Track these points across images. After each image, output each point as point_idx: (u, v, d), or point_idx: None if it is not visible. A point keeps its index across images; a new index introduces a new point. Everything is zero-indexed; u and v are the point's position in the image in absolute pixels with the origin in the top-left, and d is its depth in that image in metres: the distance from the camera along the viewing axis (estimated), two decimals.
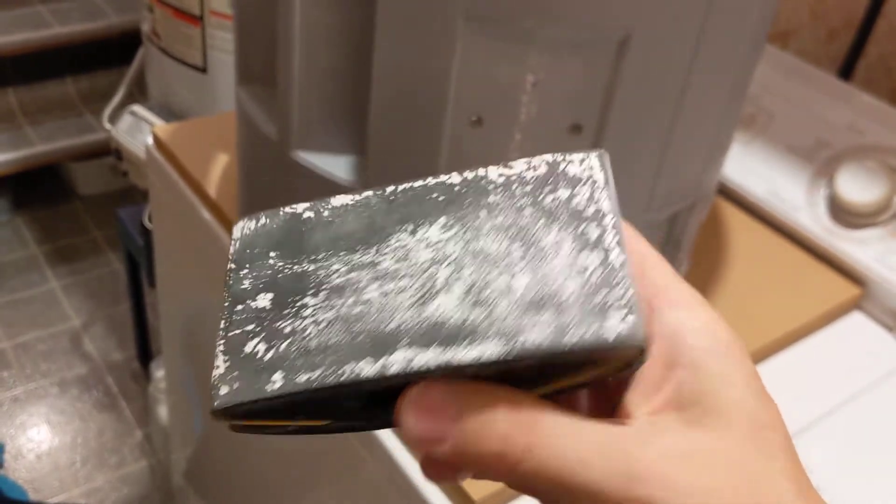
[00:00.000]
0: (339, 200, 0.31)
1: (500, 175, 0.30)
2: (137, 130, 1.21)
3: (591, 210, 0.28)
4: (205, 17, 1.11)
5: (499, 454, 0.25)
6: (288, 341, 0.27)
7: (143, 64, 1.37)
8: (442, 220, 0.29)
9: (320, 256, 0.29)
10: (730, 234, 0.83)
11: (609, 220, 0.28)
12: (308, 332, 0.27)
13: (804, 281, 0.78)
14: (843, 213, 0.79)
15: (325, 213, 0.30)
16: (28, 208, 2.33)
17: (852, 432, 0.67)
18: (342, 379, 0.26)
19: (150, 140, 0.89)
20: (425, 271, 0.27)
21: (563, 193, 0.28)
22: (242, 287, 0.30)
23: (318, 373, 0.26)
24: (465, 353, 0.25)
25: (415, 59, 0.52)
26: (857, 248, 0.77)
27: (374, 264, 0.28)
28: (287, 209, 0.31)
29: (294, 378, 0.26)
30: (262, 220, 0.31)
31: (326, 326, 0.27)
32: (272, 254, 0.30)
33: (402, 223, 0.29)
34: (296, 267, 0.29)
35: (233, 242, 0.32)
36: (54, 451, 1.73)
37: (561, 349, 0.25)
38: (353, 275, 0.28)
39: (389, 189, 0.30)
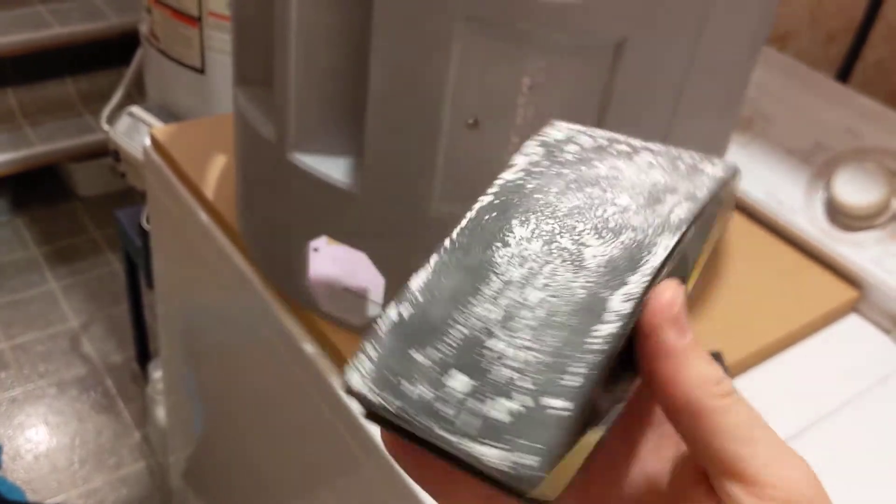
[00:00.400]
0: (417, 283, 0.29)
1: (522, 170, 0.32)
2: (135, 131, 1.21)
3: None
4: (203, 18, 1.11)
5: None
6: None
7: (141, 65, 1.37)
8: (514, 221, 0.30)
9: (453, 323, 0.28)
10: (728, 235, 0.83)
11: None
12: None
13: (801, 283, 0.78)
14: (840, 216, 0.79)
15: (420, 299, 0.29)
16: (27, 209, 2.33)
17: (849, 436, 0.67)
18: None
19: (147, 141, 0.89)
20: (549, 255, 0.29)
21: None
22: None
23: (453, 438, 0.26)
24: (654, 258, 0.28)
25: (412, 61, 0.52)
26: (855, 250, 0.77)
27: (504, 287, 0.28)
28: (383, 320, 0.28)
29: (436, 428, 0.26)
30: (370, 351, 0.29)
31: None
32: (414, 352, 0.28)
33: (486, 247, 0.29)
34: (442, 344, 0.28)
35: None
36: (52, 452, 1.73)
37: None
38: (502, 302, 0.28)
39: (448, 242, 0.30)
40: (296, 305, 0.69)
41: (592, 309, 0.27)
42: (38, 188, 2.36)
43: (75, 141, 2.20)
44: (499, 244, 0.29)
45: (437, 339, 0.27)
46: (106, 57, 2.25)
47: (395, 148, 0.56)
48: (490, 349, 0.27)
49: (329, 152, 0.60)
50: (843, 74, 0.98)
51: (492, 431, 0.25)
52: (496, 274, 0.28)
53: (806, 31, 1.04)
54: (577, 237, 0.29)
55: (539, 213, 0.30)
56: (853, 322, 0.78)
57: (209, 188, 0.81)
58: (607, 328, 0.27)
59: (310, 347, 0.68)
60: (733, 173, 0.32)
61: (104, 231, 2.27)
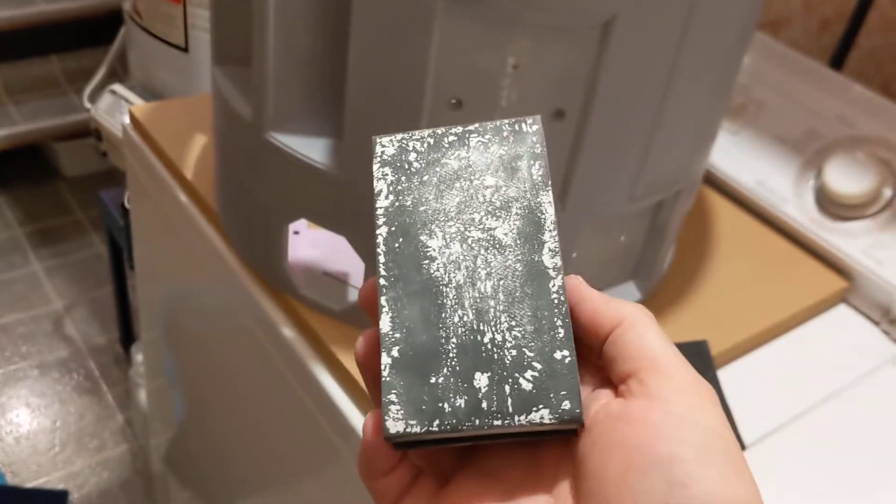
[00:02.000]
0: (386, 326, 0.32)
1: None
2: (117, 110, 1.19)
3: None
4: None
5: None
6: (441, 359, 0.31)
7: (125, 43, 1.35)
8: (422, 237, 0.34)
9: (443, 340, 0.32)
10: (716, 224, 0.81)
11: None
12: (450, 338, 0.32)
13: (790, 273, 0.77)
14: (831, 205, 0.77)
15: (399, 337, 0.32)
16: (10, 188, 2.30)
17: (836, 427, 0.66)
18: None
19: (126, 119, 0.87)
20: (472, 250, 0.33)
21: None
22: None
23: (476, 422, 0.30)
24: (548, 213, 0.33)
25: (392, 40, 0.50)
26: (845, 240, 0.76)
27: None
28: (383, 370, 0.31)
29: (454, 420, 0.30)
30: None
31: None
32: (429, 378, 0.32)
33: (418, 270, 0.33)
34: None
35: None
36: (33, 435, 1.71)
37: None
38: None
39: (383, 281, 0.33)
40: (274, 289, 0.68)
41: (535, 274, 0.32)
42: (21, 167, 2.33)
43: (59, 120, 2.17)
44: (426, 261, 0.33)
45: (439, 358, 0.31)
46: (92, 35, 2.22)
47: (376, 129, 0.54)
48: (486, 343, 0.31)
49: (308, 132, 0.59)
50: (837, 63, 0.97)
51: (528, 401, 0.30)
52: (444, 285, 0.32)
53: (799, 18, 1.02)
54: (481, 226, 0.33)
55: (437, 222, 0.33)
56: (842, 312, 0.76)
57: (188, 168, 0.79)
58: (555, 282, 0.32)
59: (288, 332, 0.66)
60: (540, 121, 0.35)
61: (88, 212, 2.25)
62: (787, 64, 0.86)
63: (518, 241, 0.33)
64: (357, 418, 0.61)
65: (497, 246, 0.33)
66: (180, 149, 0.81)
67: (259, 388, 0.77)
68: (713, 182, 0.85)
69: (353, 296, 0.67)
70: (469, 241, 0.33)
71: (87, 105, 1.29)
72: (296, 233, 0.72)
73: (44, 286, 2.03)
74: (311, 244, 0.71)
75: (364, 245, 0.60)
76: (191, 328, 0.93)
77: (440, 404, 0.30)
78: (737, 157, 0.84)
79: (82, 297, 2.01)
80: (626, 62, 0.51)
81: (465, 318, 0.32)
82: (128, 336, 1.81)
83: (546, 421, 0.30)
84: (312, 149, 0.58)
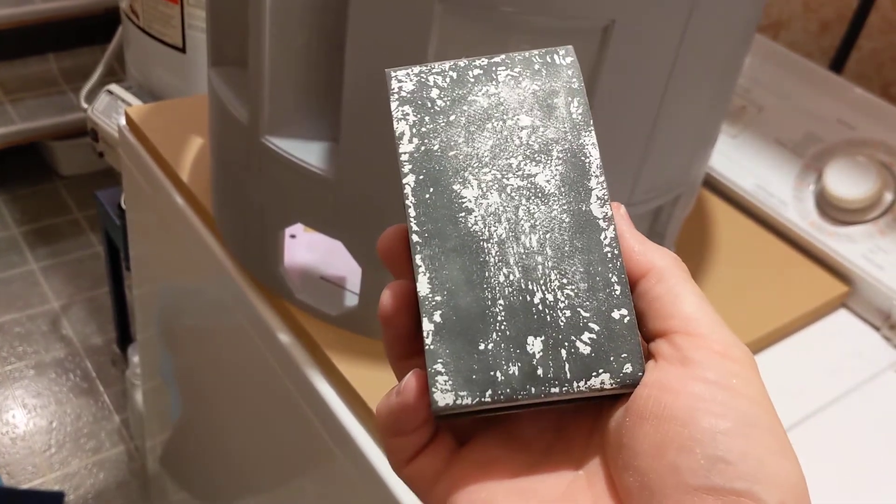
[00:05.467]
0: (424, 289, 0.29)
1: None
2: (114, 110, 1.18)
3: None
4: None
5: None
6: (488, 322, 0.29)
7: (122, 42, 1.34)
8: (455, 187, 0.30)
9: (489, 302, 0.29)
10: (716, 227, 0.81)
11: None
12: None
13: (790, 277, 0.76)
14: (831, 209, 0.77)
15: (441, 301, 0.29)
16: (8, 187, 2.29)
17: (837, 434, 0.65)
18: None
19: (122, 121, 0.87)
20: (512, 200, 0.30)
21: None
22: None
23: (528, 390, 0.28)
24: (592, 157, 0.30)
25: (389, 44, 0.49)
26: (845, 245, 0.76)
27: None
28: (426, 339, 0.29)
29: (507, 387, 0.28)
30: None
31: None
32: (478, 344, 0.29)
33: (454, 223, 0.30)
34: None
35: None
36: (29, 436, 1.71)
37: None
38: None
39: (417, 238, 0.30)
40: (270, 294, 0.67)
41: (584, 225, 0.29)
42: (18, 166, 2.32)
43: (57, 119, 2.16)
44: (462, 214, 0.29)
45: (487, 322, 0.28)
46: (90, 34, 2.21)
47: (372, 133, 0.53)
48: (536, 304, 0.28)
49: (304, 136, 0.58)
50: (837, 65, 0.96)
51: (588, 365, 0.28)
52: (484, 240, 0.29)
53: (799, 20, 1.02)
54: (520, 172, 0.30)
55: (470, 169, 0.30)
56: (842, 318, 0.76)
57: (184, 171, 0.78)
58: (607, 233, 0.29)
59: (284, 337, 0.66)
60: (573, 53, 0.32)
61: (86, 211, 2.24)
62: (786, 66, 0.85)
63: (562, 189, 0.30)
64: (352, 423, 0.60)
65: (539, 195, 0.30)
66: (176, 151, 0.80)
67: (255, 390, 0.76)
68: (712, 185, 0.85)
69: (350, 301, 0.67)
70: (508, 189, 0.30)
71: (84, 105, 1.29)
72: (292, 236, 0.71)
73: (41, 285, 2.02)
74: (308, 247, 0.71)
75: (361, 250, 0.59)
76: (187, 329, 0.93)
77: (492, 372, 0.28)
78: (736, 160, 0.84)
79: (79, 296, 2.01)
80: (624, 67, 0.50)
81: (512, 277, 0.29)
82: (125, 337, 1.81)
83: (607, 386, 0.28)
84: (309, 153, 0.58)
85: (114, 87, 1.20)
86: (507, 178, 0.30)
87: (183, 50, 1.13)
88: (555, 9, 0.47)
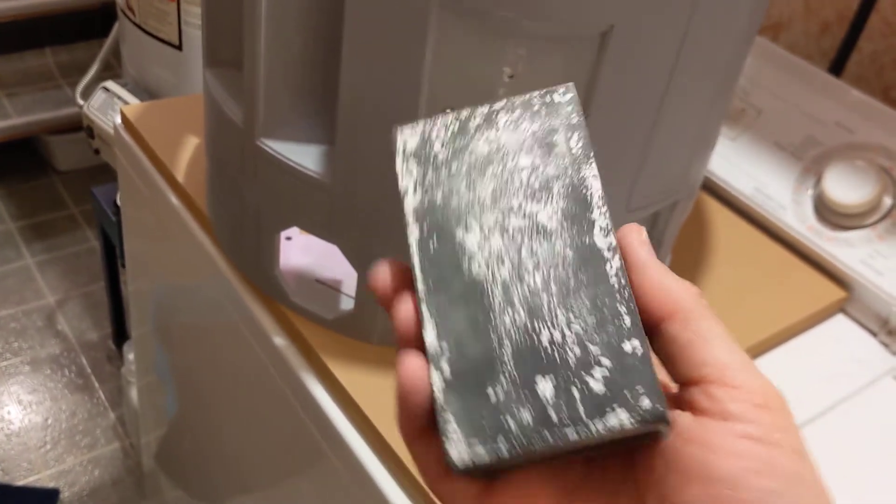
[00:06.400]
0: (430, 338, 0.29)
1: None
2: (110, 107, 1.18)
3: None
4: None
5: None
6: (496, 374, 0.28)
7: (118, 38, 1.33)
8: (458, 233, 0.31)
9: (496, 347, 0.29)
10: (714, 231, 0.81)
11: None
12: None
13: (788, 282, 0.76)
14: (830, 214, 0.77)
15: (447, 349, 0.29)
16: (3, 182, 2.28)
17: (834, 440, 0.65)
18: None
19: (118, 119, 0.86)
20: (514, 240, 0.30)
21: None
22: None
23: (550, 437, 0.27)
24: (594, 188, 0.30)
25: (386, 47, 0.49)
26: (844, 249, 0.75)
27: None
28: (435, 391, 0.29)
29: (524, 440, 0.27)
30: None
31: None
32: (487, 391, 0.29)
33: (458, 271, 0.30)
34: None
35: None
36: (24, 432, 1.70)
37: None
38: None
39: (422, 288, 0.30)
40: (265, 296, 0.67)
41: (588, 258, 0.29)
42: (14, 161, 2.31)
43: (53, 113, 2.15)
44: (466, 260, 0.29)
45: (495, 368, 0.28)
46: (86, 28, 2.20)
47: (368, 137, 0.53)
48: (544, 344, 0.28)
49: (300, 139, 0.58)
50: (837, 66, 0.96)
51: (602, 403, 0.27)
52: (489, 284, 0.29)
53: (800, 21, 1.01)
54: (521, 212, 0.30)
55: (472, 214, 0.30)
56: (840, 323, 0.76)
57: (180, 171, 0.78)
58: (612, 263, 0.29)
59: (279, 340, 0.65)
60: (574, 89, 0.32)
61: (82, 207, 2.23)
62: (786, 69, 0.85)
63: (564, 224, 0.30)
64: (346, 426, 0.60)
65: (542, 232, 0.30)
66: (172, 150, 0.80)
67: (249, 389, 0.76)
68: (711, 188, 0.84)
69: (345, 304, 0.66)
70: (510, 230, 0.30)
71: (80, 101, 1.28)
72: (288, 238, 0.71)
73: (36, 281, 2.02)
74: (303, 250, 0.70)
75: (356, 254, 0.59)
76: (182, 327, 0.92)
77: (504, 421, 0.27)
78: (735, 163, 0.83)
79: (75, 292, 2.00)
80: (623, 72, 0.50)
81: (517, 318, 0.28)
82: (120, 333, 1.80)
83: (627, 425, 0.26)
84: (304, 156, 0.57)
85: (110, 84, 1.20)
86: (509, 220, 0.30)
87: (179, 47, 1.13)
88: (553, 14, 0.46)
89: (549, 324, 0.28)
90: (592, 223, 0.29)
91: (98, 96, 1.20)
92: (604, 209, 0.30)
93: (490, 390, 0.28)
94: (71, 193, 2.27)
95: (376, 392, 0.60)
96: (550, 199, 0.30)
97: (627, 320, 0.28)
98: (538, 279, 0.29)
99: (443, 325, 0.29)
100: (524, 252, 0.29)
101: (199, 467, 1.04)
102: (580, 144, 0.31)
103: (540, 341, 0.28)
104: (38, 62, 2.27)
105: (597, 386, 0.27)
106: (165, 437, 1.16)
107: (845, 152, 0.77)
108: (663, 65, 0.51)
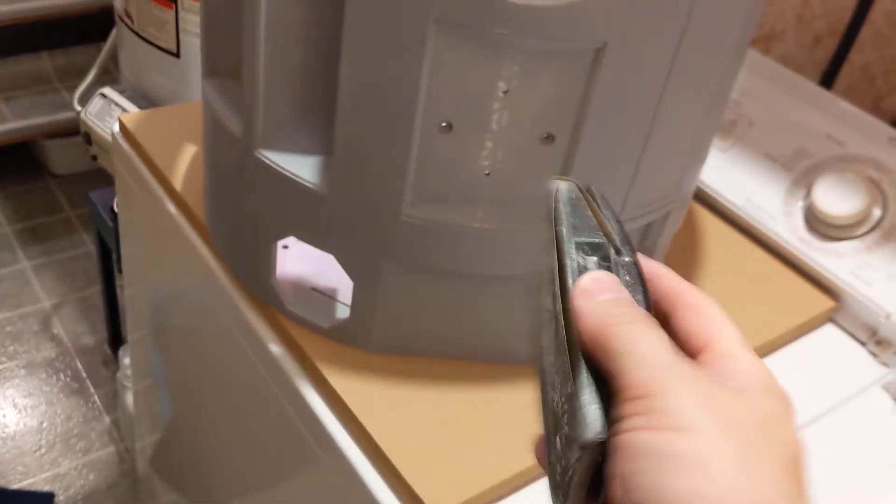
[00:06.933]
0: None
1: None
2: (107, 114, 1.18)
3: None
4: (179, 0, 1.08)
5: None
6: None
7: (116, 44, 1.34)
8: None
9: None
10: (705, 241, 0.82)
11: None
12: None
13: (778, 292, 0.77)
14: (820, 225, 0.78)
15: None
16: (0, 185, 2.28)
17: (822, 450, 0.66)
18: None
19: (116, 127, 0.87)
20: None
21: None
22: None
23: None
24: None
25: (384, 61, 0.50)
26: (833, 260, 0.76)
27: None
28: None
29: None
30: None
31: None
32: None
33: None
34: None
35: None
36: (19, 436, 1.70)
37: None
38: None
39: None
40: (262, 304, 0.67)
41: (549, 321, 0.34)
42: (11, 165, 2.31)
43: (50, 118, 2.16)
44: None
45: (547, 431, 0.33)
46: (84, 32, 2.21)
47: (366, 149, 0.54)
48: (553, 407, 0.33)
49: (298, 150, 0.58)
50: (828, 78, 0.97)
51: (571, 443, 0.30)
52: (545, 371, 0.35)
53: (792, 33, 1.02)
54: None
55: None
56: (829, 333, 0.77)
57: (178, 179, 0.78)
58: (558, 320, 0.33)
59: (275, 348, 0.66)
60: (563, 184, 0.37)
61: (78, 211, 2.24)
62: (777, 81, 0.86)
63: (551, 297, 0.34)
64: (341, 434, 0.60)
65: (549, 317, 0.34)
66: (170, 158, 0.81)
67: (245, 395, 0.77)
68: (703, 199, 0.85)
69: (341, 312, 0.67)
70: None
71: (77, 107, 1.29)
72: (285, 247, 0.72)
73: (32, 284, 2.02)
74: (300, 258, 0.71)
75: (353, 264, 0.60)
76: (178, 333, 0.93)
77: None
78: (727, 173, 0.84)
79: (71, 296, 2.00)
80: (616, 88, 0.51)
81: (551, 392, 0.33)
82: (116, 337, 1.81)
83: (578, 458, 0.29)
84: (302, 167, 0.58)
85: (107, 91, 1.20)
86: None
87: (177, 55, 1.13)
88: (548, 31, 0.47)
89: (552, 388, 0.33)
90: (549, 292, 0.34)
91: (95, 103, 1.20)
92: (554, 280, 0.33)
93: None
94: (67, 197, 2.28)
95: (371, 399, 0.60)
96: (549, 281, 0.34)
97: (567, 365, 0.31)
98: (552, 355, 0.33)
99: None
100: (544, 336, 0.35)
101: (193, 472, 1.04)
102: (547, 236, 0.35)
103: (552, 405, 0.32)
104: (35, 66, 2.27)
105: (568, 429, 0.31)
106: (161, 442, 1.16)
107: (835, 164, 0.79)
108: (656, 80, 0.52)
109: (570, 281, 0.33)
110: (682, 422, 0.27)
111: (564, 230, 0.34)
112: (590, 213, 0.35)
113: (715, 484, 0.26)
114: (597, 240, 0.34)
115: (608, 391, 0.30)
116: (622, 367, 0.29)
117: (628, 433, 0.28)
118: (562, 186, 0.36)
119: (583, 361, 0.31)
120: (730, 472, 0.27)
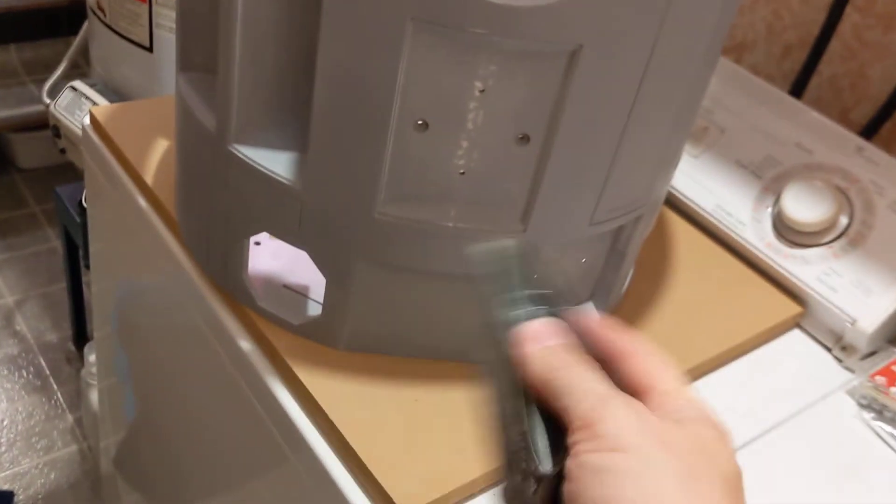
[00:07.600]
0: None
1: None
2: (77, 107, 1.17)
3: None
4: None
5: None
6: None
7: (87, 37, 1.32)
8: None
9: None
10: (676, 246, 0.82)
11: None
12: None
13: (746, 297, 0.78)
14: (788, 231, 0.79)
15: None
16: None
17: (787, 454, 0.67)
18: None
19: (86, 120, 0.86)
20: None
21: None
22: None
23: None
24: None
25: (360, 59, 0.50)
26: (801, 266, 0.77)
27: None
28: None
29: None
30: None
31: None
32: None
33: None
34: None
35: None
36: None
37: None
38: None
39: None
40: (232, 300, 0.67)
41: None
42: None
43: (16, 111, 2.13)
44: None
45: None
46: (53, 26, 2.18)
47: (340, 146, 0.54)
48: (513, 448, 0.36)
49: (272, 146, 0.58)
50: (798, 88, 0.99)
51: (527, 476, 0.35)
52: None
53: (763, 44, 1.04)
54: None
55: None
56: (796, 338, 0.78)
57: (149, 173, 0.78)
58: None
59: (245, 343, 0.65)
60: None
61: (44, 206, 2.21)
62: (748, 89, 0.87)
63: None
64: (310, 431, 0.60)
65: None
66: (141, 152, 0.80)
67: (212, 393, 0.76)
68: (673, 203, 0.86)
69: (312, 310, 0.67)
70: None
71: (46, 100, 1.27)
72: (257, 243, 0.71)
73: None
74: (272, 255, 0.71)
75: (326, 261, 0.59)
76: (145, 330, 0.92)
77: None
78: (697, 179, 0.85)
79: (34, 291, 1.98)
80: (590, 90, 0.51)
81: (504, 426, 0.37)
82: (81, 335, 1.78)
83: (534, 491, 0.33)
84: (276, 162, 0.58)
85: (78, 84, 1.19)
86: None
87: (150, 49, 1.12)
88: (524, 32, 0.47)
89: (506, 427, 0.36)
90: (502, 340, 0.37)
91: (65, 96, 1.19)
92: (503, 330, 0.37)
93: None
94: (32, 192, 2.25)
95: (342, 397, 0.60)
96: None
97: (519, 407, 0.35)
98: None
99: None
100: None
101: (158, 471, 1.03)
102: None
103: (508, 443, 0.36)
104: (1, 59, 2.24)
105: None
106: (125, 441, 1.15)
107: (804, 172, 0.80)
108: (630, 84, 0.52)
109: (517, 329, 0.36)
110: (622, 443, 0.31)
111: (514, 282, 0.38)
112: (536, 269, 0.39)
113: (657, 494, 0.30)
114: (543, 290, 0.38)
115: (558, 426, 0.33)
116: (567, 405, 0.33)
117: (576, 457, 0.32)
118: (509, 244, 0.40)
119: (533, 404, 0.34)
120: (669, 487, 0.30)
